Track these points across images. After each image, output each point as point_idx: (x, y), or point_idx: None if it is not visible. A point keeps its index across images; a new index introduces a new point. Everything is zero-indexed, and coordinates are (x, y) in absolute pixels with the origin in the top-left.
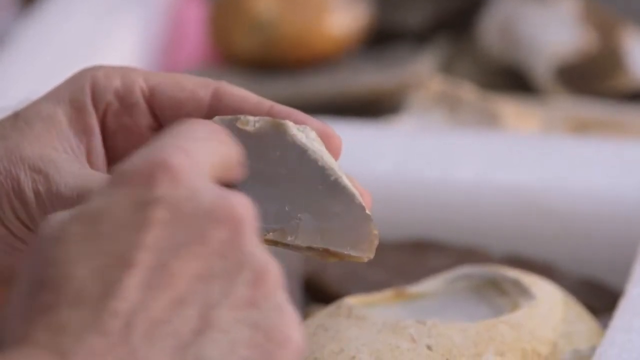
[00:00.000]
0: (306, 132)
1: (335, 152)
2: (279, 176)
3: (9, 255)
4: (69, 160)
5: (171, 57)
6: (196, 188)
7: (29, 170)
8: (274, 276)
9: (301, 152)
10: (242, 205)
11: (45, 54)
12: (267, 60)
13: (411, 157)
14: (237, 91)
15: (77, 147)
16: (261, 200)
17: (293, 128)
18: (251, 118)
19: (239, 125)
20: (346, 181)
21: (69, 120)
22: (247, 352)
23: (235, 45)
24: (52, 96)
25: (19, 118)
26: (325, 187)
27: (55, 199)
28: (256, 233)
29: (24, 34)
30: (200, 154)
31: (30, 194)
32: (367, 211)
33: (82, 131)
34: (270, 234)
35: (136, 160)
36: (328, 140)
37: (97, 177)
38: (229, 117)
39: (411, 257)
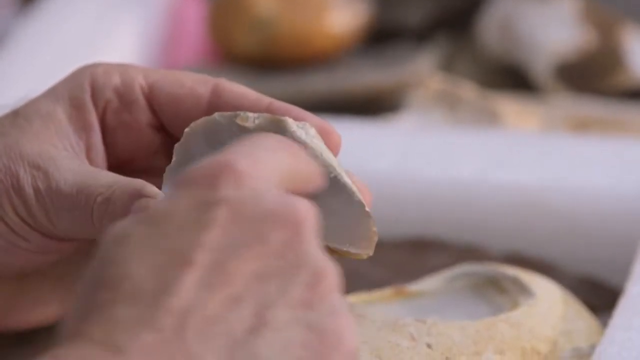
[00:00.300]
0: (305, 128)
1: (334, 149)
2: None
3: (9, 252)
4: (69, 157)
5: (171, 56)
6: (259, 190)
7: (29, 167)
8: (331, 279)
9: None
10: (304, 208)
11: (44, 52)
12: (266, 59)
13: (411, 156)
14: (237, 88)
15: (76, 144)
16: None
17: (292, 125)
18: (251, 114)
19: (238, 121)
20: (346, 178)
21: (68, 117)
22: (301, 353)
23: (235, 44)
24: (51, 94)
25: (18, 115)
26: (325, 184)
27: (55, 195)
28: (317, 236)
29: (24, 32)
30: (268, 161)
31: (29, 190)
32: (367, 208)
33: (82, 128)
34: None
35: (203, 163)
36: (327, 137)
37: (96, 174)
38: (229, 113)
39: (411, 256)
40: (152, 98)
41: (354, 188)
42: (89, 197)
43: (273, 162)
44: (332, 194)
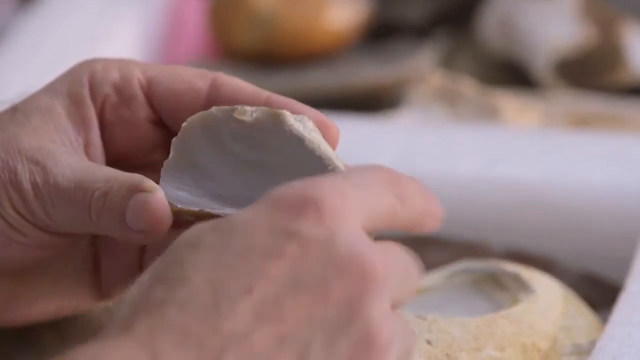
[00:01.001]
0: (303, 121)
1: (332, 142)
2: (277, 166)
3: (7, 247)
4: (67, 153)
5: (171, 52)
6: (337, 232)
7: (27, 161)
8: (386, 348)
9: (299, 142)
10: (378, 264)
11: (44, 48)
12: (267, 55)
13: (411, 152)
14: (235, 82)
15: (75, 139)
16: (259, 190)
17: (290, 118)
18: (249, 108)
19: (236, 115)
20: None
21: (67, 112)
22: None
23: (235, 40)
24: (50, 89)
25: (17, 111)
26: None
27: (53, 190)
28: (385, 297)
29: (24, 28)
30: (359, 200)
31: (27, 185)
32: None
33: (80, 124)
34: None
35: (293, 188)
36: (325, 130)
37: (94, 169)
38: (226, 107)
39: (411, 252)
40: (150, 93)
41: None
42: (87, 191)
43: (364, 200)
44: None
